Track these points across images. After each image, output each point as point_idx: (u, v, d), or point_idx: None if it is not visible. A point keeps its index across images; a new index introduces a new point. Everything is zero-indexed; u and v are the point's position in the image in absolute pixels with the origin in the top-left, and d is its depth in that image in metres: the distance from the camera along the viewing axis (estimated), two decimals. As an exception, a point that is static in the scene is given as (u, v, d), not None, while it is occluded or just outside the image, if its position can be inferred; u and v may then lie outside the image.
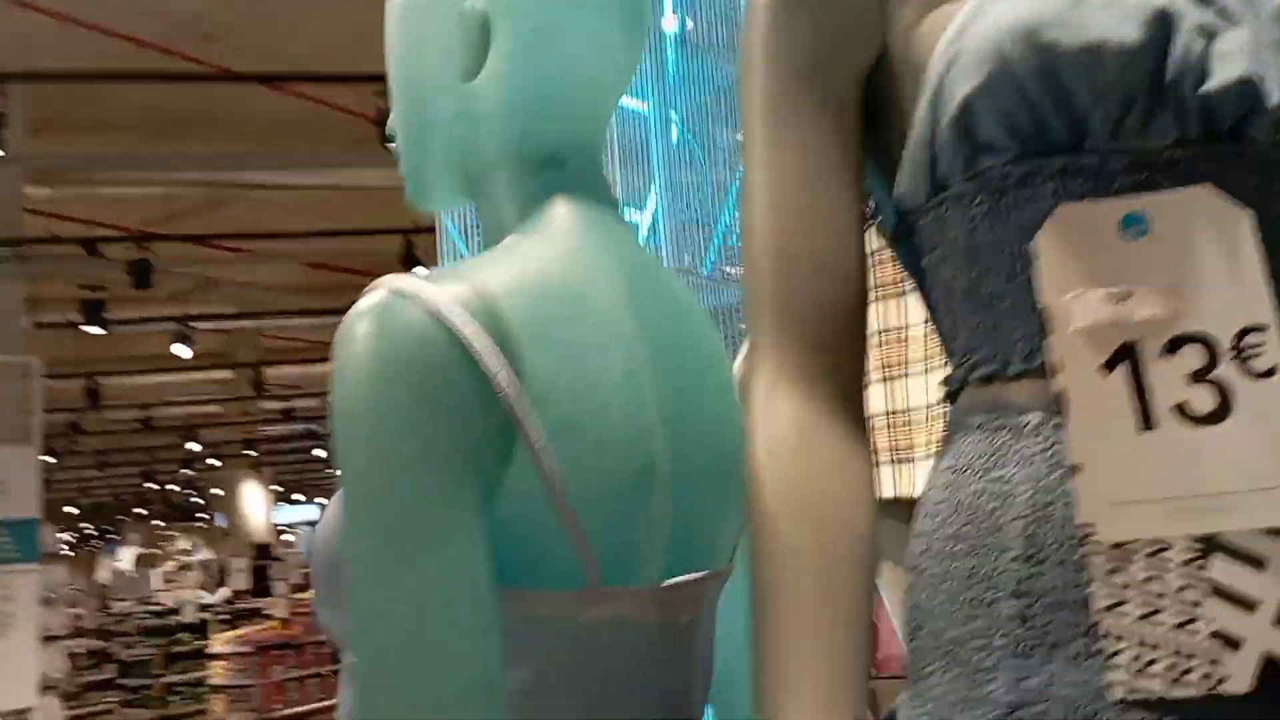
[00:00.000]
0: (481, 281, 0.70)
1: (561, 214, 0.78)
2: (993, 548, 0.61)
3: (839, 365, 0.71)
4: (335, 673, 10.47)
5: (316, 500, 24.03)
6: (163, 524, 25.91)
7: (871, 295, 1.66)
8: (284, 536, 20.46)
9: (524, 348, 0.68)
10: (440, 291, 0.67)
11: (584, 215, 0.79)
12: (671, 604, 0.75)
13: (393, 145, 0.90)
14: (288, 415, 15.26)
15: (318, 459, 19.60)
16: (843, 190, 0.72)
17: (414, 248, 7.66)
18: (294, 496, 24.43)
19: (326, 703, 10.34)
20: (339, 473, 0.67)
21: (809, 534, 0.65)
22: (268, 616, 11.35)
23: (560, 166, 0.81)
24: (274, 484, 19.57)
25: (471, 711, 0.62)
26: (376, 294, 0.67)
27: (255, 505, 17.83)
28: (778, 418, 0.69)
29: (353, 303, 0.70)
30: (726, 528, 0.82)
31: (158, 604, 12.79)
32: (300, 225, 9.07)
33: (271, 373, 13.11)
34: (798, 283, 0.71)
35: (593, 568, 0.70)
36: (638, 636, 0.73)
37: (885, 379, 1.65)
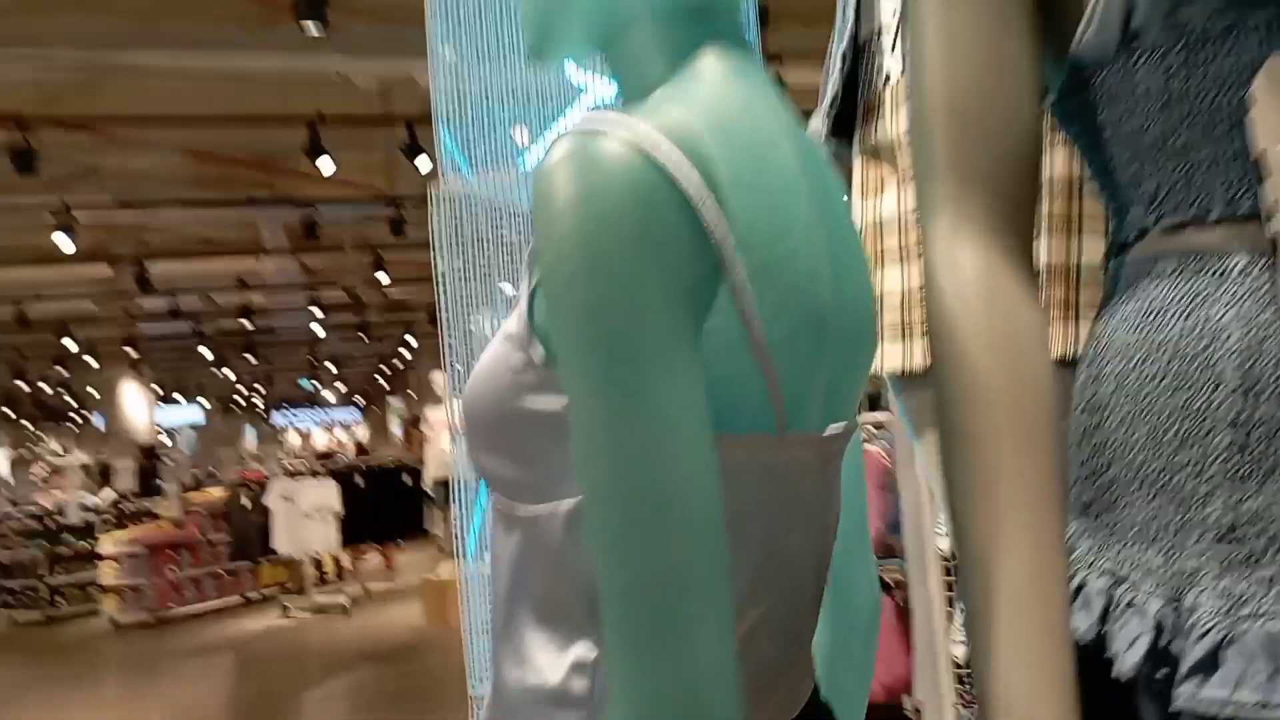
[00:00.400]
0: (674, 120, 0.67)
1: (716, 66, 0.76)
2: (1204, 383, 0.63)
3: (1017, 215, 0.72)
4: (231, 572, 10.35)
5: (199, 400, 23.36)
6: (32, 425, 24.90)
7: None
8: (163, 438, 19.90)
9: (724, 187, 0.66)
10: (642, 127, 0.64)
11: (738, 68, 0.77)
12: (829, 453, 0.78)
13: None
14: (173, 313, 14.69)
15: (201, 358, 19.01)
16: (1020, 40, 0.71)
17: (319, 138, 7.35)
18: (175, 397, 23.68)
19: (222, 601, 10.23)
20: (556, 319, 0.65)
21: (1006, 376, 0.67)
22: (157, 517, 11.09)
23: (711, 18, 0.79)
24: (155, 384, 18.92)
25: (705, 545, 0.62)
26: (572, 137, 0.64)
27: (135, 405, 17.24)
28: (962, 265, 0.70)
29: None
30: (859, 385, 0.84)
31: (36, 506, 12.35)
32: (187, 111, 8.61)
33: (154, 269, 12.55)
34: (977, 133, 0.71)
35: (781, 413, 0.70)
36: (806, 482, 0.75)
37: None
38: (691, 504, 0.62)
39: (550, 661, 0.72)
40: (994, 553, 0.64)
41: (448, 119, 2.18)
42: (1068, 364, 1.50)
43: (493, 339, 0.78)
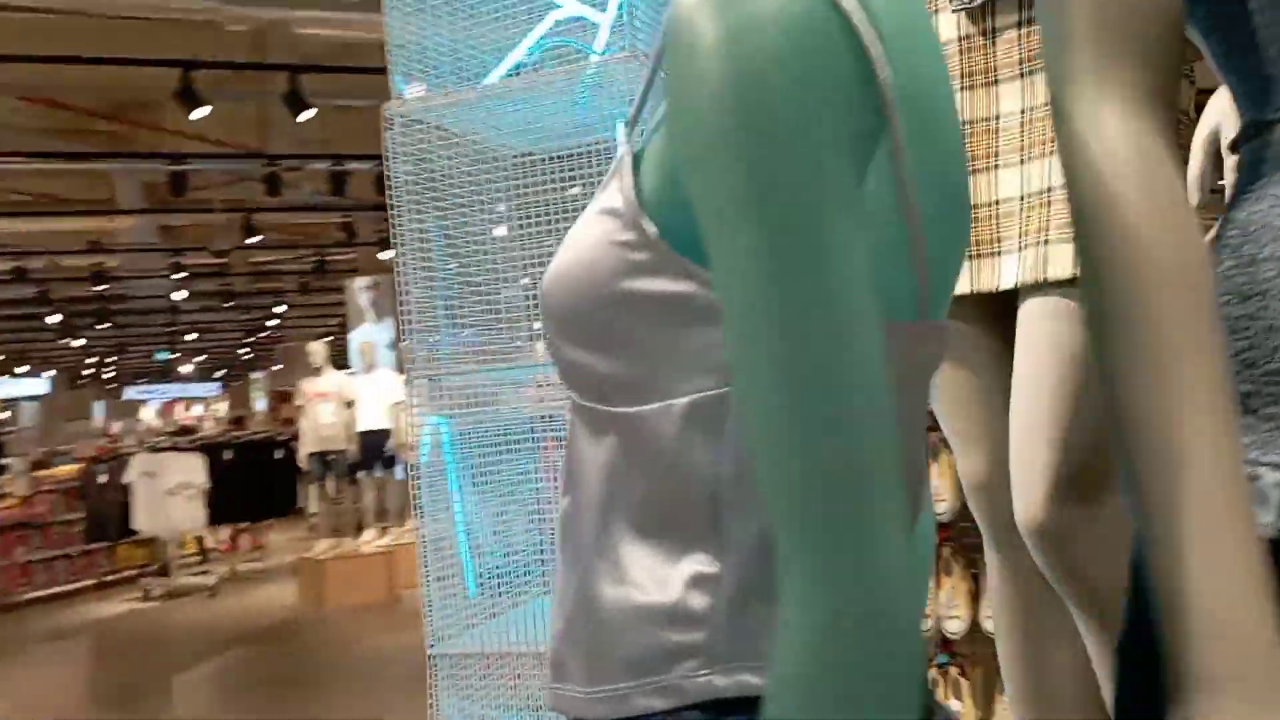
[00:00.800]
0: None
1: None
2: None
3: (1164, 86, 0.68)
4: (85, 553, 9.74)
5: (45, 374, 21.99)
6: None
7: (959, 83, 1.54)
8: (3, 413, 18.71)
9: (883, 31, 0.59)
10: None
11: None
12: (945, 349, 0.73)
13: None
14: (18, 275, 13.66)
15: (47, 327, 17.85)
16: None
17: (193, 82, 6.81)
18: (16, 370, 22.21)
19: (76, 584, 9.62)
20: (705, 181, 0.57)
21: (1173, 250, 0.63)
22: (3, 496, 10.34)
23: None
24: (-5, 354, 17.71)
25: (884, 431, 0.56)
26: None
27: (-27, 377, 16.08)
28: (1113, 136, 0.66)
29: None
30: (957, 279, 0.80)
31: None
32: (34, 51, 7.92)
33: (-3, 226, 11.66)
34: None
35: (924, 298, 0.65)
36: (926, 379, 0.71)
37: (973, 171, 1.52)
38: (871, 385, 0.56)
39: (660, 577, 0.66)
40: (1177, 443, 0.60)
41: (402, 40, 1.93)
42: None
43: (583, 216, 0.71)
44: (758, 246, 0.55)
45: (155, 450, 9.73)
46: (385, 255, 12.77)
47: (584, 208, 0.72)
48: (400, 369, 9.79)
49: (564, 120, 1.87)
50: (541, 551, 2.09)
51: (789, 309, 0.55)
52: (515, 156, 2.01)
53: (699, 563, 0.65)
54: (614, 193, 0.67)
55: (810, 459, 0.55)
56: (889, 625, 0.54)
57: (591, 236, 0.67)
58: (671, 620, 0.65)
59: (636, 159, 0.67)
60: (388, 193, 1.83)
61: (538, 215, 1.97)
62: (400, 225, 1.88)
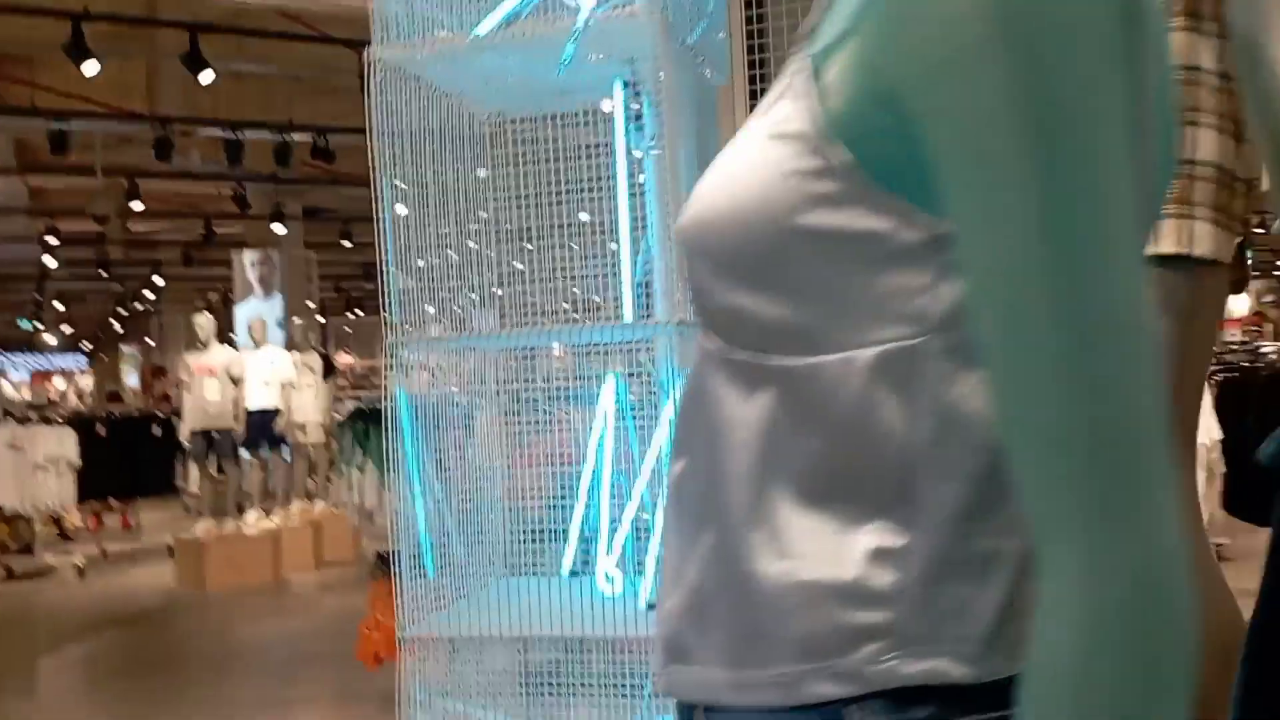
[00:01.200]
0: None
1: None
2: None
3: None
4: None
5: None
6: None
7: None
8: None
9: None
10: None
11: None
12: None
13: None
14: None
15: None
16: None
17: (83, 38, 6.40)
18: None
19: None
20: (950, 100, 0.51)
21: None
22: None
23: None
24: None
25: (1157, 384, 0.50)
26: None
27: None
28: None
29: None
30: None
31: None
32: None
33: None
34: None
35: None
36: None
37: None
38: (1147, 330, 0.50)
39: (832, 550, 0.59)
40: None
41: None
42: (1178, 260, 1.45)
43: (742, 140, 0.63)
44: (1030, 167, 0.49)
45: (23, 421, 9.19)
46: (278, 228, 12.33)
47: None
48: (289, 345, 9.51)
49: (555, 79, 1.79)
50: (509, 531, 2.02)
51: (1069, 241, 0.49)
52: (508, 120, 1.92)
53: (882, 534, 0.59)
54: (790, 115, 0.59)
55: (1092, 415, 0.49)
56: (1175, 599, 0.49)
57: (760, 163, 0.59)
58: (850, 598, 0.59)
59: (817, 71, 0.59)
60: (369, 147, 1.71)
61: (526, 179, 1.89)
62: (382, 183, 1.77)
